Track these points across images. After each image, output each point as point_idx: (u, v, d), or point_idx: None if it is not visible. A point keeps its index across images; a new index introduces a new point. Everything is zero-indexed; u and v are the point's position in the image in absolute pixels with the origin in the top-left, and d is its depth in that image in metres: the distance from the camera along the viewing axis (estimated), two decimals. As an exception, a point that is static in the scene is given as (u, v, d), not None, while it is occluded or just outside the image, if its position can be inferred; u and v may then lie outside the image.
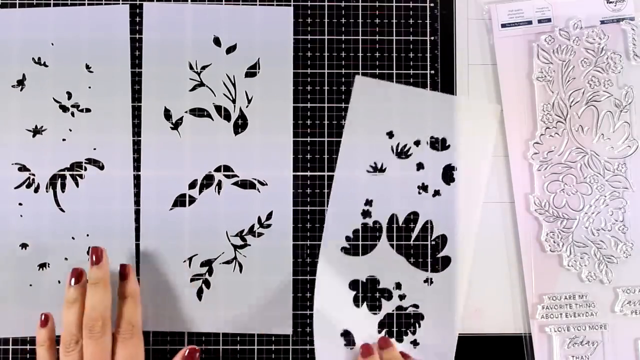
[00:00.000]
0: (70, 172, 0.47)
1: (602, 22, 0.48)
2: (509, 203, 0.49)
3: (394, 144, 0.48)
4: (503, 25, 0.48)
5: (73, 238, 0.47)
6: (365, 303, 0.48)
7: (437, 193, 0.48)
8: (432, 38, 0.50)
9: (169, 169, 0.48)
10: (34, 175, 0.47)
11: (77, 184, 0.47)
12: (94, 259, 0.44)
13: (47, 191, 0.47)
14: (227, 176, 0.48)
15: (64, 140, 0.47)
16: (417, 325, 0.48)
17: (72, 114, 0.47)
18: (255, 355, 0.48)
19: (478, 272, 0.49)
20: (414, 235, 0.48)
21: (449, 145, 0.48)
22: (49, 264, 0.47)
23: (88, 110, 0.47)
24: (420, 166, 0.48)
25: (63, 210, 0.47)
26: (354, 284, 0.48)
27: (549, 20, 0.48)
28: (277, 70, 0.48)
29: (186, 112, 0.48)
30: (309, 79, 0.49)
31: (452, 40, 0.49)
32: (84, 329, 0.42)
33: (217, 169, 0.48)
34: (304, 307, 0.49)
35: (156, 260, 0.47)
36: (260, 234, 0.48)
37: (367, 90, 0.48)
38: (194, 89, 0.48)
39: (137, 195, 0.48)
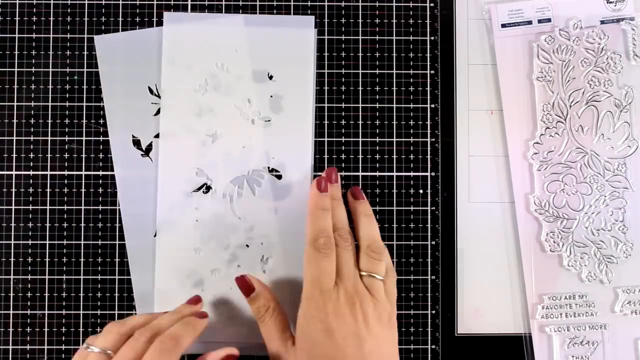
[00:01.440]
0: (248, 179, 0.47)
1: (602, 22, 0.48)
2: (509, 203, 0.49)
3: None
4: (503, 25, 0.48)
5: (247, 246, 0.48)
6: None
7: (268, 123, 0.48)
8: (432, 38, 0.50)
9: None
10: (211, 180, 0.47)
11: (253, 192, 0.47)
12: (332, 177, 0.46)
13: (223, 197, 0.47)
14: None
15: (243, 147, 0.47)
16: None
17: (252, 122, 0.47)
18: (255, 355, 0.48)
19: (478, 272, 0.49)
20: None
21: (272, 76, 0.48)
22: (219, 270, 0.48)
23: (268, 119, 0.47)
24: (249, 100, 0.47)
25: (239, 218, 0.47)
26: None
27: (549, 20, 0.48)
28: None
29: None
30: (309, 79, 0.49)
31: (452, 40, 0.49)
32: (337, 237, 0.43)
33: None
34: (304, 307, 0.49)
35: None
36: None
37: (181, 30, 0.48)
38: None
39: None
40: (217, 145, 0.47)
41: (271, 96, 0.48)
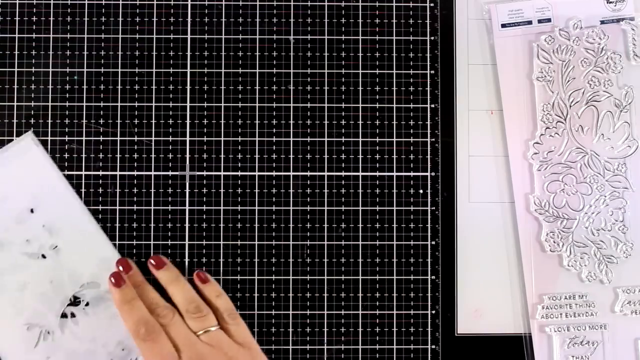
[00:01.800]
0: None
1: (602, 22, 0.48)
2: (509, 203, 0.49)
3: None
4: (503, 25, 0.48)
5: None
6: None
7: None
8: (432, 38, 0.50)
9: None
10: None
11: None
12: (125, 266, 0.46)
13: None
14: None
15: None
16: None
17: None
18: (255, 355, 0.48)
19: (478, 272, 0.49)
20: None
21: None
22: None
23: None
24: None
25: None
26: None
27: (549, 20, 0.48)
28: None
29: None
30: (309, 79, 0.49)
31: (452, 40, 0.49)
32: (157, 318, 0.44)
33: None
34: (303, 307, 0.48)
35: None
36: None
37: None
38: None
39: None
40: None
41: (43, 225, 0.47)
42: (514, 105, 0.48)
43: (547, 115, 0.48)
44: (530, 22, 0.49)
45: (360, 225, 0.49)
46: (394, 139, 0.49)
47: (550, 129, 0.48)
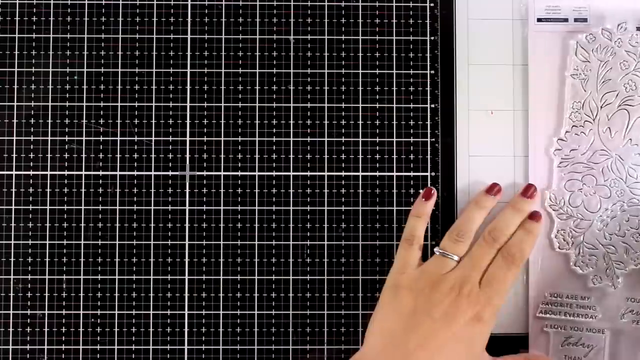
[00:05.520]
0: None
1: None
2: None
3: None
4: (539, 20, 0.49)
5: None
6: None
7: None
8: (432, 38, 0.50)
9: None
10: None
11: None
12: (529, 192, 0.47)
13: None
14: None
15: None
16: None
17: None
18: (255, 355, 0.48)
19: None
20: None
21: None
22: None
23: None
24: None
25: None
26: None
27: (585, 20, 0.48)
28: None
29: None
30: (309, 79, 0.49)
31: (452, 40, 0.49)
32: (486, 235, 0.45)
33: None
34: (303, 307, 0.48)
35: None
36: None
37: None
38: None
39: None
40: None
41: None
42: (541, 99, 0.48)
43: (576, 113, 0.48)
44: (566, 20, 0.48)
45: (360, 225, 0.49)
46: (394, 139, 0.49)
47: (577, 127, 0.48)
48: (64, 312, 0.48)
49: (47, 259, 0.48)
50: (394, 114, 0.49)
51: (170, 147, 0.49)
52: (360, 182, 0.49)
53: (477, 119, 0.49)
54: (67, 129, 0.49)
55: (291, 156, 0.49)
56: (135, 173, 0.49)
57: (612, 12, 0.48)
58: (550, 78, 0.48)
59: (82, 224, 0.48)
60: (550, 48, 0.49)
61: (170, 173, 0.49)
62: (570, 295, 0.47)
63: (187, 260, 0.48)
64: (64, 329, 0.48)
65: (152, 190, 0.49)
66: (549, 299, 0.47)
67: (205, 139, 0.49)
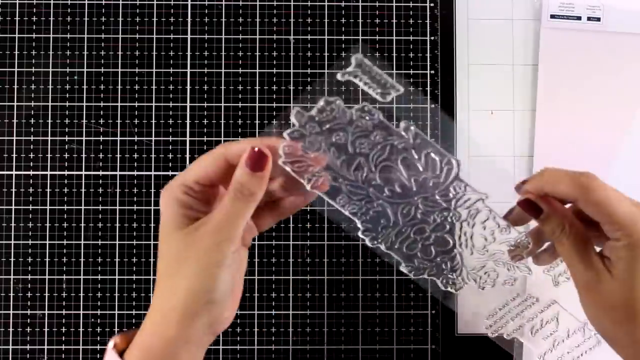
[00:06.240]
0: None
1: None
2: (509, 204, 0.49)
3: None
4: (552, 16, 0.49)
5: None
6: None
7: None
8: (432, 38, 0.50)
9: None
10: None
11: None
12: None
13: None
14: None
15: None
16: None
17: None
18: (255, 355, 0.48)
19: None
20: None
21: None
22: None
23: None
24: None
25: None
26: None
27: (598, 19, 0.48)
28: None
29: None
30: (308, 79, 0.49)
31: (452, 40, 0.49)
32: None
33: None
34: (303, 307, 0.48)
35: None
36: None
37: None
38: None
39: None
40: None
41: None
42: (550, 99, 0.48)
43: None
44: (579, 18, 0.49)
45: (360, 225, 0.49)
46: (394, 139, 0.49)
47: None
48: (64, 312, 0.48)
49: (47, 259, 0.48)
50: (394, 114, 0.49)
51: (170, 147, 0.49)
52: (360, 182, 0.49)
53: (477, 119, 0.49)
54: (67, 129, 0.49)
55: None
56: (135, 173, 0.49)
57: (626, 12, 0.48)
58: (562, 75, 0.49)
59: (82, 224, 0.48)
60: (562, 44, 0.49)
61: (170, 173, 0.49)
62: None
63: (187, 260, 0.48)
64: (64, 329, 0.48)
65: (152, 190, 0.49)
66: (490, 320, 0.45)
67: (205, 139, 0.49)
